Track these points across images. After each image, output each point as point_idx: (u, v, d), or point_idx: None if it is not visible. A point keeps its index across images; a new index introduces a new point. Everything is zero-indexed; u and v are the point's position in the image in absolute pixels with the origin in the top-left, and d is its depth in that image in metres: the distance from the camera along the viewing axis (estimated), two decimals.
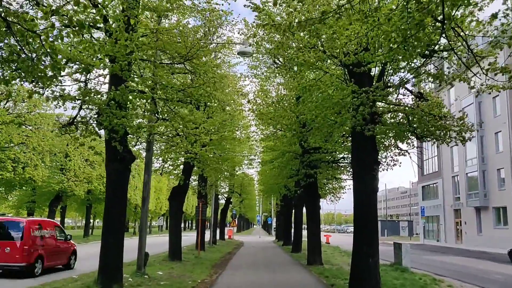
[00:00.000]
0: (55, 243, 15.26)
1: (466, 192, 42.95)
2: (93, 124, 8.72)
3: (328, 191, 27.51)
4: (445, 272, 18.75)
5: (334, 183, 25.69)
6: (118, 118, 8.84)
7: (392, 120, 11.13)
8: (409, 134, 10.99)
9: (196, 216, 24.55)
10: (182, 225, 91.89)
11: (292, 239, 30.00)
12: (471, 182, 42.40)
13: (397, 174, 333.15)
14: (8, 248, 13.07)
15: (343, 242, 47.58)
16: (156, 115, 12.38)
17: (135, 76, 10.38)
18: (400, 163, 16.74)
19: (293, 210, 31.76)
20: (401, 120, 11.29)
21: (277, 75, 18.05)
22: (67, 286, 10.72)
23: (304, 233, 29.73)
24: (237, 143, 27.24)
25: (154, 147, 19.62)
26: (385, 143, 12.67)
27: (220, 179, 31.74)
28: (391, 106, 10.72)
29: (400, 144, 12.71)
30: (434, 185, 51.83)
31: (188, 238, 42.42)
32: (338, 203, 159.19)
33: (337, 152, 18.20)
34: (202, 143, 16.39)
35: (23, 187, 33.86)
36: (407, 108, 9.82)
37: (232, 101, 17.17)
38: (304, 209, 28.73)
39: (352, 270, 10.88)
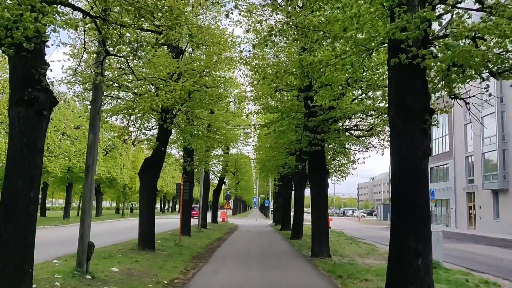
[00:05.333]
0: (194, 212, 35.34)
1: (482, 173, 39.24)
2: None
3: (334, 169, 23.73)
4: (481, 267, 15.10)
5: (343, 158, 21.79)
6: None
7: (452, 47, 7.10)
8: (481, 69, 7.00)
9: (177, 194, 21.13)
10: (177, 206, 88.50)
11: (292, 223, 26.23)
12: (489, 162, 38.64)
13: None
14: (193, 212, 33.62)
15: (345, 226, 44.19)
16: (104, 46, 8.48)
17: None
18: (436, 123, 12.85)
19: (293, 191, 27.89)
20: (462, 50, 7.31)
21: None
22: None
23: (306, 216, 26.00)
24: (230, 115, 23.64)
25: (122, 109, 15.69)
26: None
27: (211, 154, 27.80)
28: (454, 23, 6.71)
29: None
30: (445, 166, 48.07)
31: (177, 220, 38.99)
32: (336, 187, 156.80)
33: (351, 115, 14.22)
34: (181, 100, 12.56)
35: None
36: (495, 14, 5.78)
37: (218, 44, 13.09)
38: (306, 190, 24.98)
39: (389, 275, 7.05)
